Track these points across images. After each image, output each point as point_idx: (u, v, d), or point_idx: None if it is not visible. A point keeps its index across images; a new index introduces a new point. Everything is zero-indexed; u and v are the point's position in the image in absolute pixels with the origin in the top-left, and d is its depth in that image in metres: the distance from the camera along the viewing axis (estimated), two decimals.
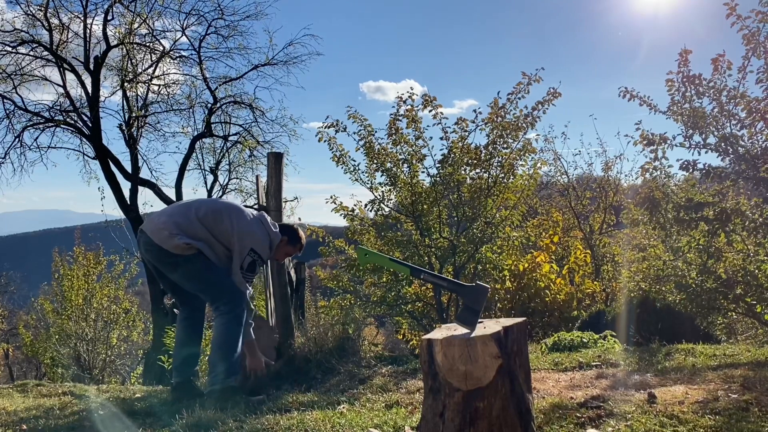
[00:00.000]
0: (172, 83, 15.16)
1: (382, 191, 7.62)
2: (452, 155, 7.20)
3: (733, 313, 6.51)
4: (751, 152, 5.14)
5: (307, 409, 3.32)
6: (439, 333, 2.27)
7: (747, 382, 3.15)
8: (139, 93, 14.70)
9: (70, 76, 13.73)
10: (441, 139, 7.32)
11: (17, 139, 13.63)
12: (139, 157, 14.55)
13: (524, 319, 2.37)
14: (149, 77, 14.76)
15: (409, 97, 7.30)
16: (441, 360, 2.11)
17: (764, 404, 2.73)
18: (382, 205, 7.74)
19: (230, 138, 15.68)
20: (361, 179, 7.54)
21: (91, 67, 13.57)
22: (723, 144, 5.17)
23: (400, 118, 7.28)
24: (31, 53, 13.47)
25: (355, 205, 8.26)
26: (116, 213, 14.36)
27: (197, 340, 4.29)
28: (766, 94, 5.01)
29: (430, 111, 7.24)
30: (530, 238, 8.26)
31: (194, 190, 17.18)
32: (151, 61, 14.70)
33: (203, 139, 15.46)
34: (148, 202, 14.93)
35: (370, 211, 7.96)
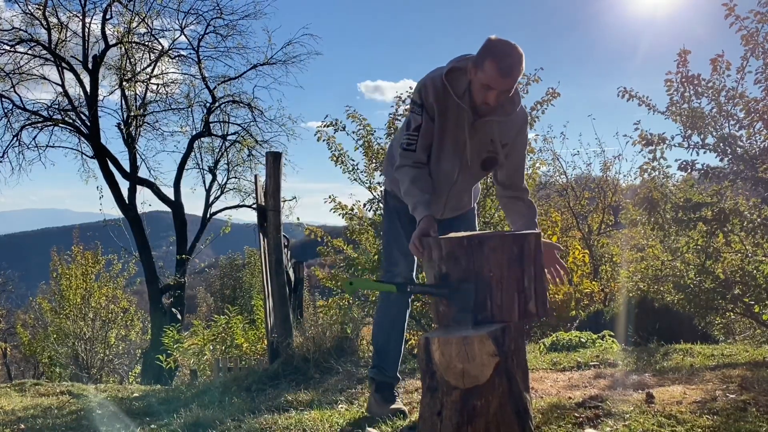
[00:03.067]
0: (171, 82, 15.20)
1: (381, 191, 7.62)
2: None
3: (731, 314, 6.52)
4: (749, 152, 5.15)
5: (306, 409, 3.31)
6: (437, 331, 2.27)
7: (745, 382, 3.16)
8: (137, 92, 14.74)
9: (68, 75, 13.77)
10: None
11: (15, 138, 13.66)
12: (137, 156, 14.60)
13: None
14: (148, 76, 14.78)
15: (408, 96, 7.31)
16: (438, 358, 2.12)
17: (762, 404, 2.74)
18: (380, 204, 7.74)
19: (229, 137, 15.71)
20: (359, 179, 7.54)
21: (90, 66, 13.58)
22: (721, 144, 5.18)
23: (399, 117, 7.28)
24: (30, 52, 13.48)
25: (353, 205, 8.26)
26: (114, 212, 14.40)
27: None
28: (765, 94, 5.02)
29: None
30: None
31: (193, 189, 17.14)
32: (150, 60, 14.72)
33: (202, 139, 15.48)
34: (146, 201, 14.99)
35: (369, 210, 7.96)
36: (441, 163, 2.81)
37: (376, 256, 7.58)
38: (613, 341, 5.33)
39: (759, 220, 5.31)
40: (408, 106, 7.34)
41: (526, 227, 2.72)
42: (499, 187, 2.94)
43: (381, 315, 3.18)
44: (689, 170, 5.41)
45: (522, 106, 2.79)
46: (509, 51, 2.48)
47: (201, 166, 16.11)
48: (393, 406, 2.98)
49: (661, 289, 6.61)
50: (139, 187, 14.43)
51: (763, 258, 5.64)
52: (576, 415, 2.76)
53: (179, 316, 14.01)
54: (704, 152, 5.32)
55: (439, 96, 2.66)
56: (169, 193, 14.95)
